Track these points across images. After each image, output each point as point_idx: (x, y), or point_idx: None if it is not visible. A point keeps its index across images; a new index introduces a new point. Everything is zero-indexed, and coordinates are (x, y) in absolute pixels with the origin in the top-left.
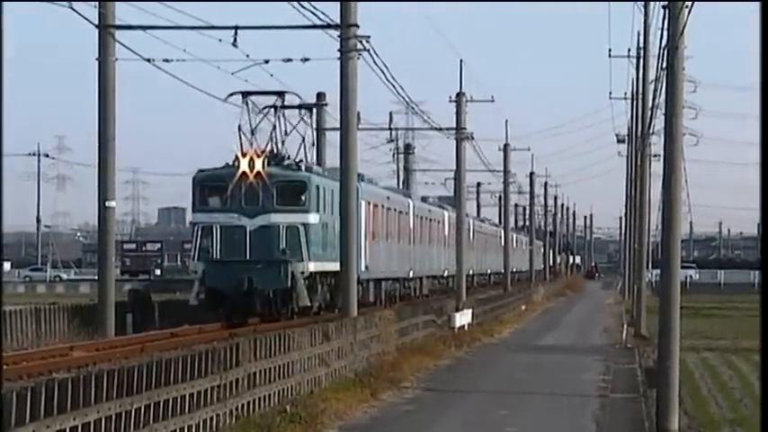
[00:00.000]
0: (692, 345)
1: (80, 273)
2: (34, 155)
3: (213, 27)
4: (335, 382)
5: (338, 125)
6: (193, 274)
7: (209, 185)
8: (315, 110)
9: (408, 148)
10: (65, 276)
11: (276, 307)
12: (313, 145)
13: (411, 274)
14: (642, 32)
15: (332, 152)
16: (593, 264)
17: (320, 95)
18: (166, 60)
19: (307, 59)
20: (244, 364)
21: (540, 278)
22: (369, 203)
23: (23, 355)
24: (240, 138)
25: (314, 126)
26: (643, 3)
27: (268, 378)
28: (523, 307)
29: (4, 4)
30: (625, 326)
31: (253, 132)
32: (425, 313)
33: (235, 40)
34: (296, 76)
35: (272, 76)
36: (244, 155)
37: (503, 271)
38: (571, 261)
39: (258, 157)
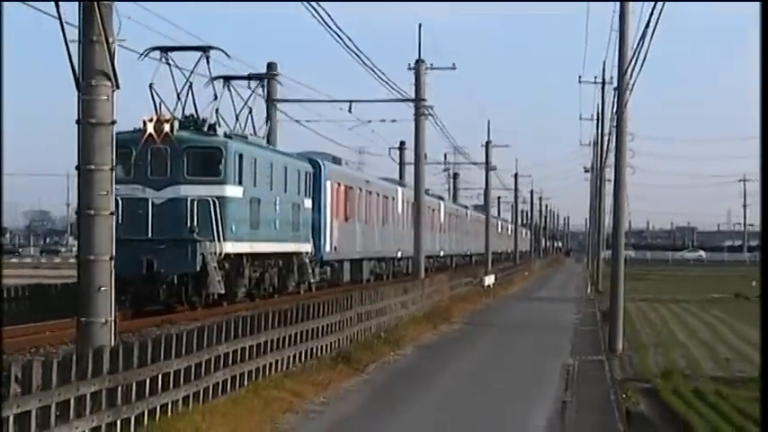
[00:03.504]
0: (630, 297)
1: None
2: None
3: (336, 100)
4: (411, 319)
5: (413, 161)
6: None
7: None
8: (265, 80)
9: (456, 176)
10: None
11: (186, 294)
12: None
13: (400, 254)
14: (601, 104)
15: (408, 177)
16: (569, 247)
17: (402, 143)
18: (308, 121)
19: (394, 120)
20: (355, 307)
21: (535, 256)
22: (339, 184)
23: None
24: (153, 99)
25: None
26: (601, 85)
27: (370, 316)
28: (526, 273)
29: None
30: (589, 285)
31: (179, 97)
32: (466, 276)
33: (350, 108)
34: (386, 131)
35: (372, 131)
36: (151, 118)
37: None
38: (556, 245)
39: (167, 120)
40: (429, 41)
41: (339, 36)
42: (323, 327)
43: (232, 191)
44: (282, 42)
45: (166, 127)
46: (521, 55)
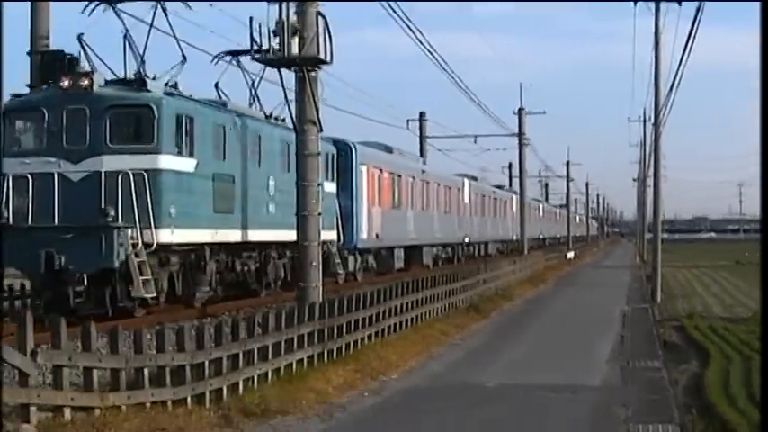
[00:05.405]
0: (664, 264)
1: None
2: None
3: (466, 135)
4: (519, 282)
5: (518, 175)
6: None
7: (23, 116)
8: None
9: (547, 185)
10: None
11: (113, 297)
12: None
13: (467, 240)
14: (643, 135)
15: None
16: (623, 231)
17: (510, 164)
18: (448, 150)
19: (505, 149)
20: (482, 273)
21: (600, 238)
22: (381, 171)
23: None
24: (84, 50)
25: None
26: (643, 122)
27: (491, 279)
28: (594, 250)
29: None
30: (637, 256)
31: (141, 59)
32: (555, 252)
33: (475, 140)
34: (499, 155)
35: (490, 156)
36: (68, 72)
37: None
38: (614, 230)
39: (86, 72)
40: (527, 91)
41: (468, 92)
42: (460, 287)
43: (171, 162)
44: (431, 97)
45: (85, 80)
46: (593, 100)
